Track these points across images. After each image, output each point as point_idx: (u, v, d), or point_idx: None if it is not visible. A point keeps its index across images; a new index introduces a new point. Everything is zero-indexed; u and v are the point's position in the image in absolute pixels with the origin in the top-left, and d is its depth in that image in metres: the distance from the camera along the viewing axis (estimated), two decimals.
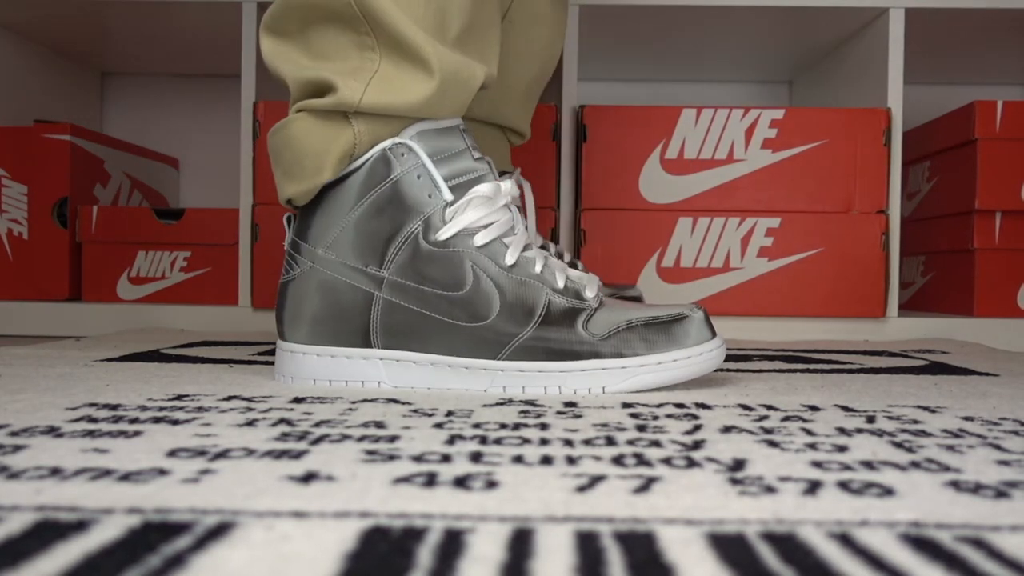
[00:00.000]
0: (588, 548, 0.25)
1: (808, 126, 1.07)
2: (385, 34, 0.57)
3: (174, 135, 1.52)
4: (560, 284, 0.57)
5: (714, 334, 0.57)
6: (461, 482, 0.32)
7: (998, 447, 0.40)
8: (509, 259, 0.56)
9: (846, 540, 0.26)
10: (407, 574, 0.23)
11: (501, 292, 0.56)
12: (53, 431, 0.41)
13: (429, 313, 0.56)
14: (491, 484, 0.32)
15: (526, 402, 0.52)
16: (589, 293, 0.57)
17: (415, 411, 0.48)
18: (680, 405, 0.51)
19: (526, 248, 0.58)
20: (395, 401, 0.52)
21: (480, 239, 0.56)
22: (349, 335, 0.58)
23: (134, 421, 0.44)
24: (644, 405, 0.51)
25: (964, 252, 1.12)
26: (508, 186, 0.59)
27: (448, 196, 0.57)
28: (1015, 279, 1.10)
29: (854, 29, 1.16)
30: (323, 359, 0.59)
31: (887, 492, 0.32)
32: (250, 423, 0.44)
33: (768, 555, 0.25)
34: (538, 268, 0.57)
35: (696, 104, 1.27)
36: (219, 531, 0.26)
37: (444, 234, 0.56)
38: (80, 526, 0.26)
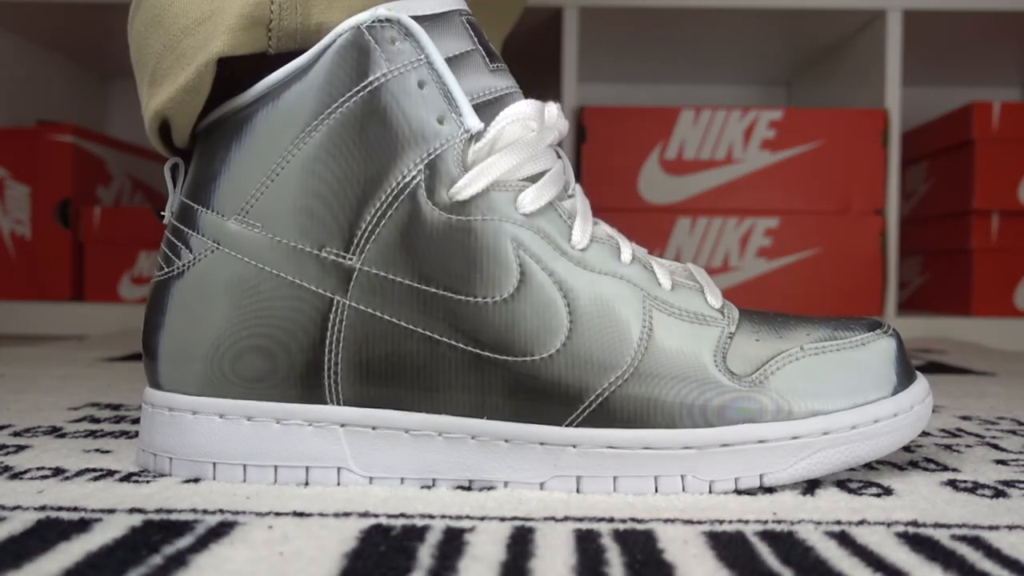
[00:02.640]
0: (588, 547, 0.25)
1: (806, 127, 1.07)
2: None
3: None
4: (667, 283, 0.33)
5: (912, 369, 0.34)
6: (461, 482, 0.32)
7: (996, 446, 0.40)
8: (578, 239, 0.33)
9: (845, 539, 0.26)
10: (408, 574, 0.23)
11: (571, 301, 0.32)
12: (55, 431, 0.41)
13: (437, 337, 0.32)
14: (491, 484, 0.32)
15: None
16: (713, 300, 0.34)
17: None
18: None
19: (597, 222, 0.35)
20: None
21: (529, 202, 0.32)
22: (284, 381, 0.33)
23: (136, 421, 0.44)
24: None
25: (962, 252, 1.13)
26: (555, 113, 0.35)
27: (474, 123, 0.32)
28: (1012, 279, 1.10)
29: (852, 30, 1.17)
30: (231, 425, 0.33)
31: (885, 491, 0.32)
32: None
33: (767, 554, 0.25)
34: (626, 256, 0.33)
35: (695, 105, 1.27)
36: (220, 531, 0.26)
37: (466, 190, 0.32)
38: (82, 525, 0.27)
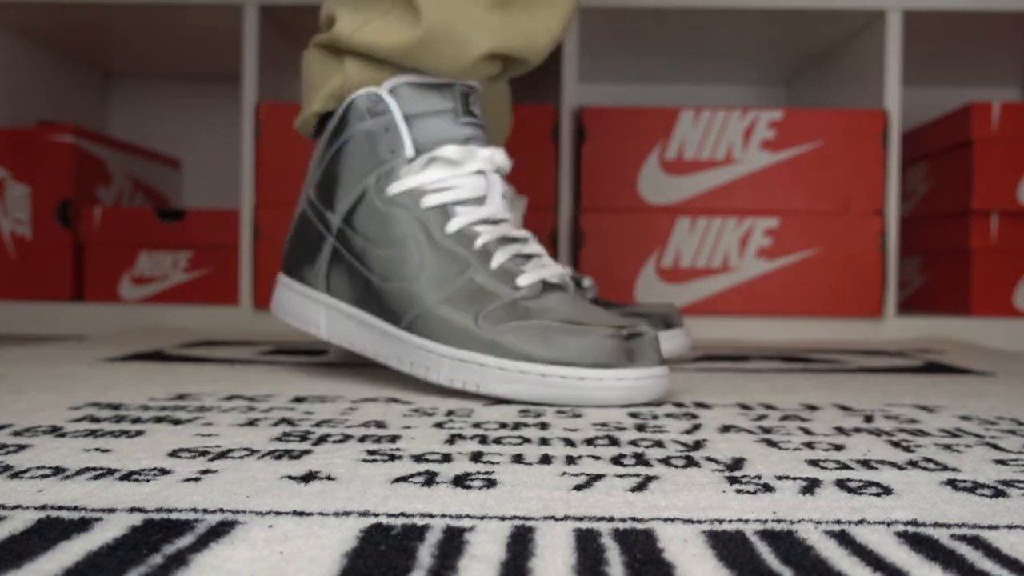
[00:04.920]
0: (588, 547, 0.25)
1: (806, 127, 1.07)
2: None
3: (176, 136, 1.53)
4: (493, 264, 0.52)
5: (633, 364, 0.49)
6: (461, 481, 0.33)
7: (995, 446, 0.40)
8: (451, 227, 0.53)
9: (844, 538, 0.26)
10: (408, 573, 0.23)
11: (423, 259, 0.53)
12: (56, 431, 0.41)
13: (359, 267, 0.56)
14: (491, 483, 0.32)
15: (525, 401, 0.52)
16: (523, 281, 0.52)
17: (415, 410, 0.48)
18: (679, 404, 0.52)
19: (485, 223, 0.54)
20: (395, 400, 0.52)
21: (427, 201, 0.54)
22: (312, 273, 0.59)
23: (136, 421, 0.44)
24: (643, 404, 0.51)
25: (961, 252, 1.13)
26: (487, 153, 0.55)
27: (410, 152, 0.55)
28: (1011, 279, 1.10)
29: (852, 31, 1.17)
30: (290, 293, 0.61)
31: (885, 491, 0.32)
32: (251, 423, 0.44)
33: (767, 553, 0.25)
34: (479, 243, 0.53)
35: (695, 105, 1.27)
36: (221, 530, 0.26)
37: (393, 190, 0.55)
38: (82, 525, 0.27)
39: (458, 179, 0.54)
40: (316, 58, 0.60)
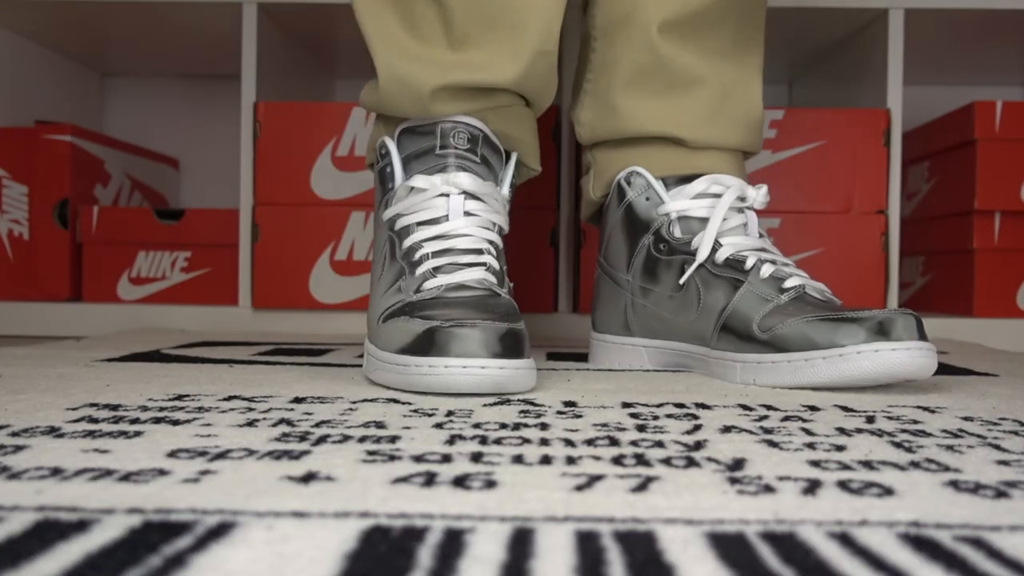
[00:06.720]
0: (588, 548, 0.25)
1: (808, 127, 1.07)
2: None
3: (174, 136, 1.53)
4: (417, 272, 0.60)
5: (504, 356, 0.52)
6: (461, 482, 0.32)
7: (998, 447, 0.40)
8: (406, 244, 0.62)
9: (846, 540, 0.26)
10: (407, 574, 0.23)
11: (383, 273, 0.63)
12: (54, 431, 0.41)
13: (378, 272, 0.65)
14: (491, 484, 0.32)
15: (525, 401, 0.52)
16: (429, 284, 0.59)
17: (415, 411, 0.48)
18: (680, 405, 0.51)
19: (438, 239, 0.61)
20: (395, 401, 0.52)
21: (399, 223, 0.63)
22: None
23: (135, 421, 0.44)
24: (644, 405, 0.51)
25: (963, 252, 1.13)
26: (445, 177, 0.63)
27: (397, 184, 0.65)
28: (1014, 279, 1.10)
29: (854, 30, 1.17)
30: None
31: (887, 492, 0.32)
32: (250, 423, 0.44)
33: (768, 555, 0.25)
34: (417, 255, 0.62)
35: None
36: (220, 531, 0.26)
37: (385, 216, 0.65)
38: (81, 526, 0.26)
39: (424, 203, 0.63)
40: (372, 124, 0.73)
